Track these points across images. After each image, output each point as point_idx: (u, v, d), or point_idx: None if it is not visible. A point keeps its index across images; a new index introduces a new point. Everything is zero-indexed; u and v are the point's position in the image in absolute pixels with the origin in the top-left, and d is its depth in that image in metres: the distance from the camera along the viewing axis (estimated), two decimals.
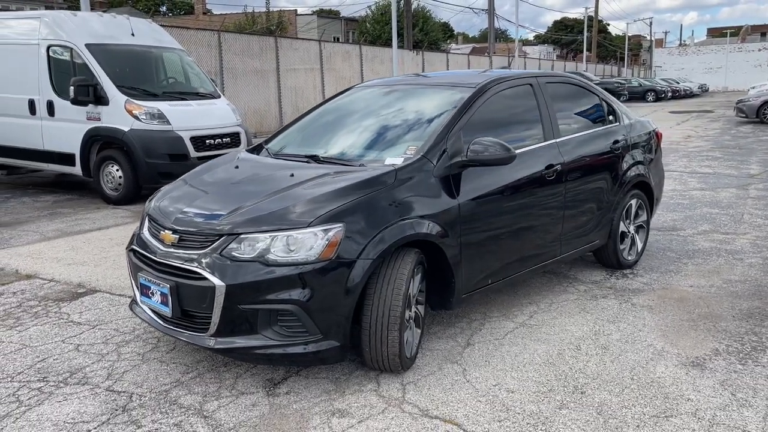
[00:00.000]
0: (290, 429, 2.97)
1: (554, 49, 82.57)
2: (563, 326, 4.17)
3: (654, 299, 4.66)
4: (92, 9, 9.30)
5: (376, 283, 3.29)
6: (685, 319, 4.29)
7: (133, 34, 9.45)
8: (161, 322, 3.48)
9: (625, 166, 5.08)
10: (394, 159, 3.72)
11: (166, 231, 3.44)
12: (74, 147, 8.84)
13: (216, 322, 3.16)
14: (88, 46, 8.71)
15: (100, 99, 8.53)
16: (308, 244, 3.13)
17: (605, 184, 4.89)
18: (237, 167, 4.04)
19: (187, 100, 9.28)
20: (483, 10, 39.51)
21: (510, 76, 4.52)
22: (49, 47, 8.93)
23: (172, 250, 3.37)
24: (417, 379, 3.45)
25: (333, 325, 3.16)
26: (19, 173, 11.03)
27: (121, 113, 8.47)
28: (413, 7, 44.67)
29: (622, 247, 5.24)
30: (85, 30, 8.95)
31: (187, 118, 8.82)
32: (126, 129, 8.41)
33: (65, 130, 8.88)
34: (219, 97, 9.90)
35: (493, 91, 4.21)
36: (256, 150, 4.47)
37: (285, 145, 4.41)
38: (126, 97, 8.51)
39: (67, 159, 9.01)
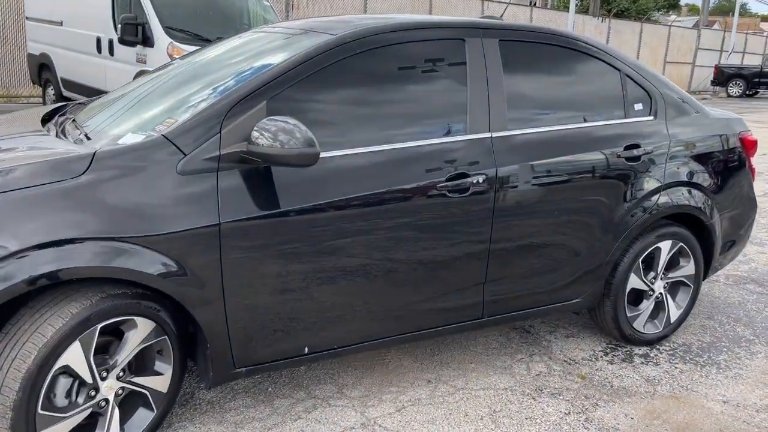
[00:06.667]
0: None
1: None
2: None
3: (637, 416, 2.78)
4: None
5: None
6: None
7: None
8: None
9: (646, 186, 3.13)
10: (136, 136, 2.34)
11: None
12: None
13: None
14: None
15: (147, 40, 7.91)
16: None
17: (595, 212, 3.02)
18: None
19: None
20: None
21: (426, 23, 2.79)
22: None
23: None
24: None
25: None
26: None
27: (163, 56, 7.76)
28: None
29: (632, 313, 3.32)
30: None
31: None
32: None
33: (120, 71, 8.42)
34: None
35: (369, 46, 2.58)
36: None
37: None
38: (170, 40, 7.77)
39: None
